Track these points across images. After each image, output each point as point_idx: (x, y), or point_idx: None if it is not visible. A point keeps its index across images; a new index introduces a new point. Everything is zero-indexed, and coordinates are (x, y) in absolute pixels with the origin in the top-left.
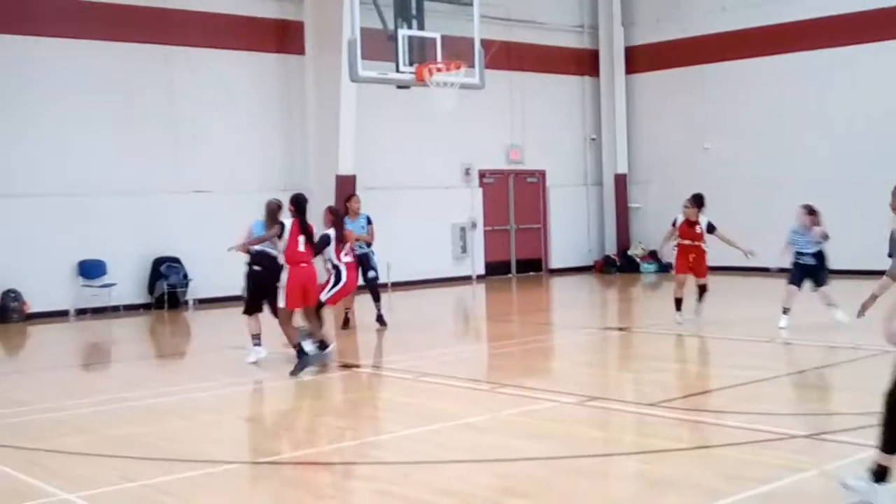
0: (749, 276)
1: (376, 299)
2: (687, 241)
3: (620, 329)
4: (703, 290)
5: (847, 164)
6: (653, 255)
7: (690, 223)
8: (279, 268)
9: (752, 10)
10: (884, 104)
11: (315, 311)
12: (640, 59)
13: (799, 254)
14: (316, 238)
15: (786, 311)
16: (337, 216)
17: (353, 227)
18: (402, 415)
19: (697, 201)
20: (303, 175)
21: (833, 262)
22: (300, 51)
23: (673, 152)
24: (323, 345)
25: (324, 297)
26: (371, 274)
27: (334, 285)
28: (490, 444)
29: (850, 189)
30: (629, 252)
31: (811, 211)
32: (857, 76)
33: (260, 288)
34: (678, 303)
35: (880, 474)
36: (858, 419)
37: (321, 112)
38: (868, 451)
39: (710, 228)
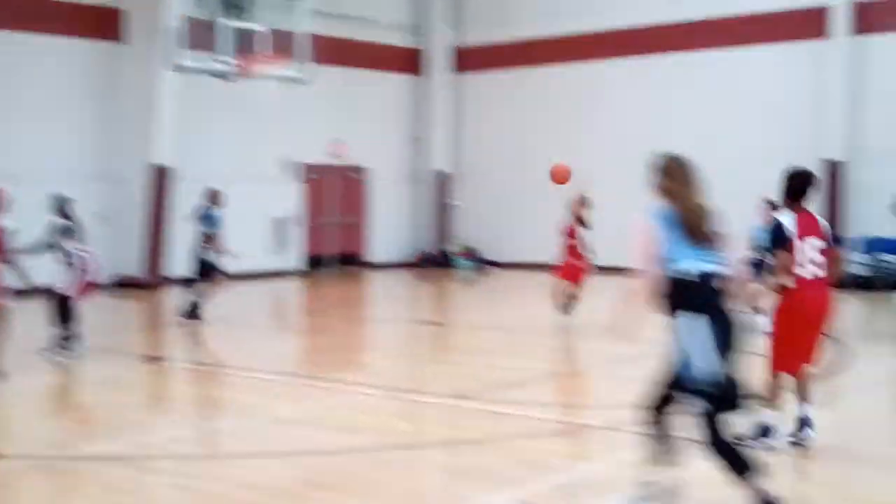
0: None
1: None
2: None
3: (434, 323)
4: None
5: None
6: (470, 252)
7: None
8: None
9: (575, 16)
10: (701, 108)
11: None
12: (467, 59)
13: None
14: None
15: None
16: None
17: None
18: (210, 408)
19: None
20: (119, 165)
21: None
22: (120, 38)
23: (495, 153)
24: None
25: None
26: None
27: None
28: (298, 437)
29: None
30: (447, 248)
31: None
32: (678, 83)
33: None
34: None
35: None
36: None
37: (140, 102)
38: None
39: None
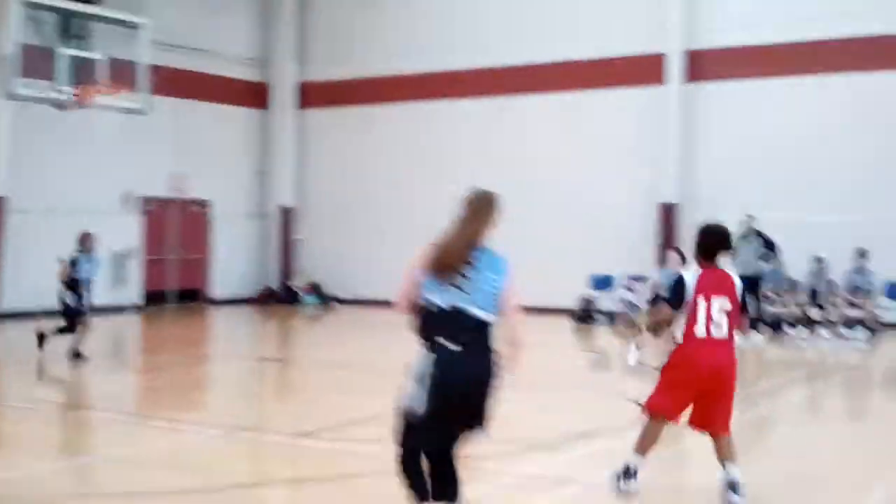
0: None
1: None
2: None
3: (277, 360)
4: None
5: (509, 207)
6: (314, 288)
7: None
8: None
9: (422, 55)
10: (543, 149)
11: None
12: (311, 95)
13: None
14: None
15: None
16: None
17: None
18: (41, 448)
19: None
20: None
21: None
22: None
23: (339, 187)
24: None
25: None
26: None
27: None
28: (132, 479)
29: (508, 232)
30: (292, 284)
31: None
32: (520, 123)
33: None
34: None
35: None
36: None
37: None
38: (505, 478)
39: None
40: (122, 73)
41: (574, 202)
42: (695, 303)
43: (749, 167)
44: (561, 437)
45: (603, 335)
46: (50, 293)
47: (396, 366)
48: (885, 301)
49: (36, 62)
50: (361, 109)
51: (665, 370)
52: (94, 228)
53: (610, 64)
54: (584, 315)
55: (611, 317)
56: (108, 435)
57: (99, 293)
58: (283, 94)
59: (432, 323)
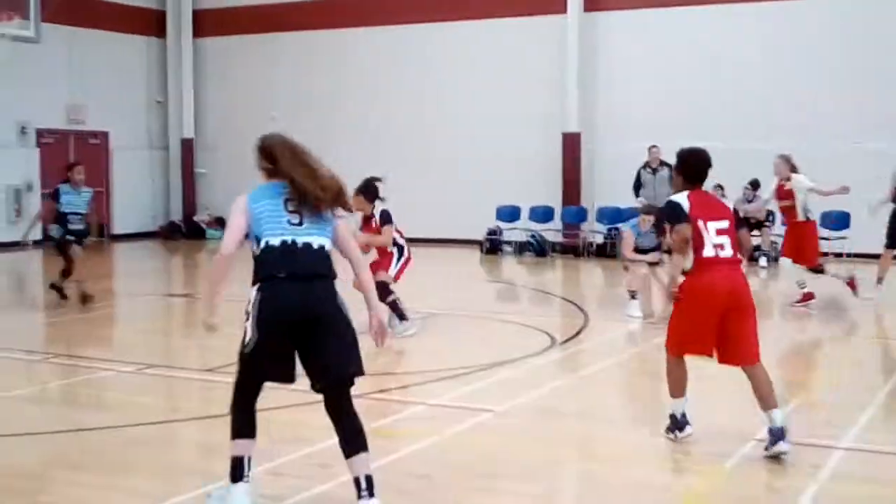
0: None
1: None
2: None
3: (184, 295)
4: None
5: (408, 140)
6: (219, 222)
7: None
8: None
9: None
10: (445, 80)
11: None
12: (208, 23)
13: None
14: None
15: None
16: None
17: (76, 198)
18: None
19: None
20: None
21: (411, 232)
22: None
23: (241, 119)
24: None
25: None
26: None
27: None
28: (41, 416)
29: (409, 162)
30: (195, 218)
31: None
32: (420, 53)
33: None
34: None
35: (235, 471)
36: (402, 378)
37: None
38: (415, 407)
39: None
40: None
41: (478, 134)
42: (695, 226)
43: (650, 96)
44: (470, 367)
45: (510, 266)
46: None
47: None
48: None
49: None
50: (259, 38)
51: (680, 302)
52: None
53: None
54: (492, 247)
55: (518, 247)
56: (9, 373)
57: None
58: (179, 22)
59: (267, 258)
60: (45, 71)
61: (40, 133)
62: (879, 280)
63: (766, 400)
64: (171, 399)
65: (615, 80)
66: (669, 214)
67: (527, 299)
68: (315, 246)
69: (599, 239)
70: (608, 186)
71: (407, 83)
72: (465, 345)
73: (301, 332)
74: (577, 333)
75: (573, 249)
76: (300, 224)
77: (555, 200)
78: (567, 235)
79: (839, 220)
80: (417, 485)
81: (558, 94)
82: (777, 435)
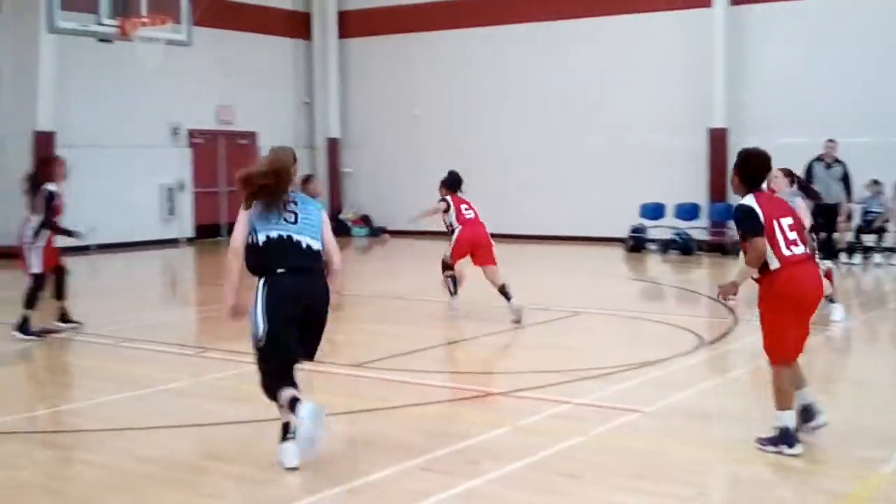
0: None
1: None
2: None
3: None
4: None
5: (552, 137)
6: (364, 220)
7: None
8: None
9: None
10: (588, 76)
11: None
12: (353, 23)
13: None
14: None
15: None
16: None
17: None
18: (102, 381)
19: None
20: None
21: (544, 230)
22: None
23: (385, 118)
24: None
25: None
26: None
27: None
28: (193, 409)
29: (552, 160)
30: (341, 216)
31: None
32: (562, 50)
33: None
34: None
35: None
36: (549, 377)
37: (18, 65)
38: (561, 406)
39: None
40: (164, 4)
41: (622, 130)
42: (770, 227)
43: (800, 90)
44: (617, 367)
45: (655, 264)
46: (103, 231)
47: (446, 296)
48: None
49: None
50: (403, 37)
51: (767, 308)
52: (144, 162)
53: None
54: (636, 245)
55: (663, 245)
56: (164, 367)
57: (150, 227)
58: (326, 23)
59: (265, 254)
60: (196, 73)
61: (191, 133)
62: None
63: (801, 382)
64: (320, 394)
65: (763, 74)
66: (743, 220)
67: (673, 298)
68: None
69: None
70: None
71: (549, 80)
72: (612, 344)
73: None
74: (726, 333)
75: (720, 247)
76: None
77: (701, 197)
78: (714, 233)
79: None
80: (565, 483)
81: (704, 89)
82: (810, 411)
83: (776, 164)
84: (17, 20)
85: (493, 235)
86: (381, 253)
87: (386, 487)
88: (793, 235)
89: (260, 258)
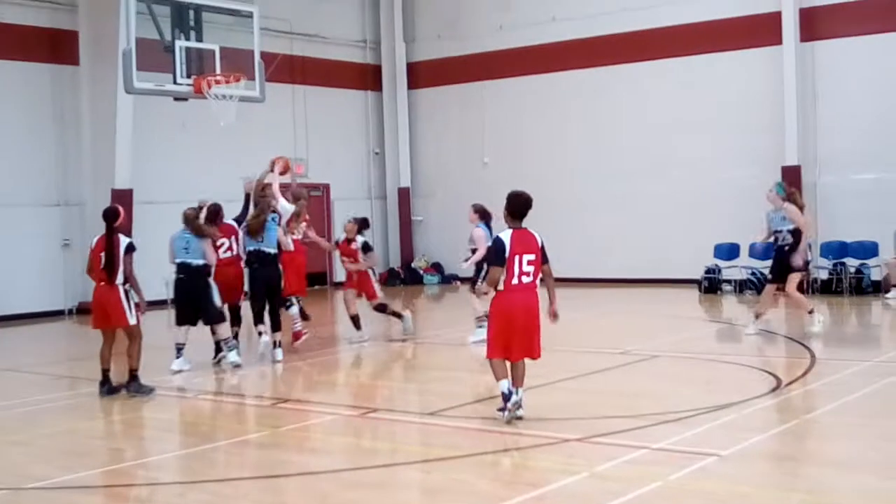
0: None
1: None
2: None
3: (403, 340)
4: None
5: (623, 179)
6: (436, 267)
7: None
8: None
9: (528, 29)
10: (659, 118)
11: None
12: (421, 74)
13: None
14: None
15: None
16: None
17: None
18: (178, 434)
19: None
20: (78, 189)
21: (618, 273)
22: (74, 61)
23: (454, 166)
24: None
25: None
26: None
27: None
28: (270, 460)
29: (625, 202)
30: (413, 264)
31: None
32: (632, 93)
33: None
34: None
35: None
36: (626, 422)
37: (97, 124)
38: (638, 451)
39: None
40: (237, 62)
41: (694, 169)
42: (511, 260)
43: (873, 126)
44: (694, 410)
45: (730, 305)
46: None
47: None
48: None
49: (152, 55)
50: (470, 86)
51: (491, 316)
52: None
53: (723, 25)
54: (710, 286)
55: (738, 285)
56: (239, 418)
57: None
58: (395, 75)
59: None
60: (270, 127)
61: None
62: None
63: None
64: (394, 442)
65: (835, 111)
66: (492, 253)
67: (750, 339)
68: None
69: (824, 275)
70: (831, 220)
71: (619, 122)
72: (688, 387)
73: None
74: (804, 374)
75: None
76: None
77: None
78: None
79: None
80: None
81: (776, 127)
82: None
83: (851, 200)
84: (94, 74)
85: (567, 280)
86: (453, 300)
87: None
88: (528, 269)
89: None
